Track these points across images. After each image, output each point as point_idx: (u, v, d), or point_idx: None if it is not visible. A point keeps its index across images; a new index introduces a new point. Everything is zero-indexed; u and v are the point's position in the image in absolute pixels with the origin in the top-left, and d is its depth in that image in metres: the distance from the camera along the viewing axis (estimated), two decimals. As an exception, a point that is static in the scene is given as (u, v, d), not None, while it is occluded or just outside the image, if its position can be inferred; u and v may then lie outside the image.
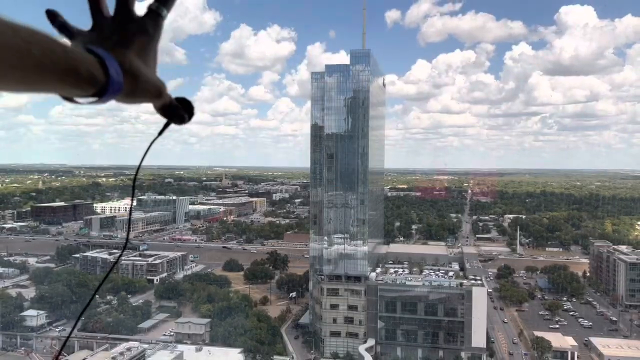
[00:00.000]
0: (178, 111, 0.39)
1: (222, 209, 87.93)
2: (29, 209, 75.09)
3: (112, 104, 0.38)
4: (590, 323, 40.07)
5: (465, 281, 37.38)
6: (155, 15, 0.34)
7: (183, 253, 57.06)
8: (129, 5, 0.34)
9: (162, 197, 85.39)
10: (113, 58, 0.31)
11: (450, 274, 41.14)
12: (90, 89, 0.31)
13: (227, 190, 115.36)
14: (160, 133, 0.41)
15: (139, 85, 0.33)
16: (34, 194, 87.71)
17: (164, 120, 0.44)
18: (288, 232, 70.99)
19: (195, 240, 69.38)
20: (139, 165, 0.50)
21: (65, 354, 30.81)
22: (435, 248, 53.56)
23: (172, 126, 0.43)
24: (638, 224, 69.01)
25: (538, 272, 53.09)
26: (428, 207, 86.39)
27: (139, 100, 0.34)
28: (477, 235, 65.39)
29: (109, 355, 30.57)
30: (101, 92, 0.32)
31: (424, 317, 34.23)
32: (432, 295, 34.68)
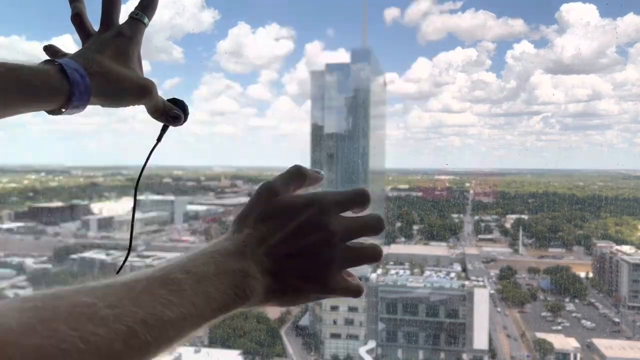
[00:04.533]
0: (172, 111, 0.39)
1: (221, 209, 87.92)
2: (27, 209, 77.49)
3: None
4: (593, 324, 40.92)
5: (467, 282, 37.17)
6: (136, 20, 0.34)
7: (180, 253, 57.28)
8: (113, 19, 0.35)
9: (160, 197, 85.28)
10: (73, 61, 0.32)
11: (452, 274, 40.87)
12: (55, 96, 0.31)
13: (226, 190, 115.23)
14: (159, 139, 0.41)
15: (113, 85, 0.33)
16: (31, 194, 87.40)
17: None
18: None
19: (195, 242, 69.34)
20: (141, 173, 0.50)
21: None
22: (437, 249, 53.07)
23: (171, 127, 0.43)
24: (640, 225, 68.80)
25: (540, 273, 53.18)
26: (429, 207, 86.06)
27: (124, 101, 0.35)
28: (479, 236, 69.71)
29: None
30: (71, 96, 0.31)
31: (425, 318, 34.08)
32: (434, 296, 34.47)
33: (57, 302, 0.14)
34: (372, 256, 0.25)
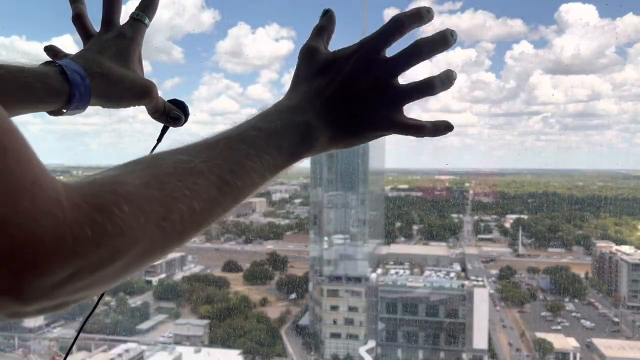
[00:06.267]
0: (173, 112, 0.37)
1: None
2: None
3: None
4: (593, 324, 40.81)
5: (466, 282, 37.14)
6: (137, 21, 0.34)
7: (182, 254, 57.04)
8: (114, 20, 0.34)
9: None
10: (73, 62, 0.30)
11: (452, 274, 40.82)
12: (56, 98, 0.30)
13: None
14: (160, 140, 0.39)
15: (113, 85, 0.32)
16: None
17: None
18: (288, 233, 70.57)
19: (194, 241, 69.36)
20: None
21: (62, 354, 30.81)
22: (437, 248, 52.97)
23: (171, 128, 0.40)
24: (640, 225, 68.69)
25: (540, 273, 53.19)
26: (429, 207, 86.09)
27: (125, 102, 0.34)
28: (478, 236, 69.40)
29: (108, 356, 30.41)
30: (71, 98, 0.30)
31: (425, 318, 34.07)
32: (433, 296, 34.45)
33: (162, 161, 0.18)
34: (425, 88, 0.24)
